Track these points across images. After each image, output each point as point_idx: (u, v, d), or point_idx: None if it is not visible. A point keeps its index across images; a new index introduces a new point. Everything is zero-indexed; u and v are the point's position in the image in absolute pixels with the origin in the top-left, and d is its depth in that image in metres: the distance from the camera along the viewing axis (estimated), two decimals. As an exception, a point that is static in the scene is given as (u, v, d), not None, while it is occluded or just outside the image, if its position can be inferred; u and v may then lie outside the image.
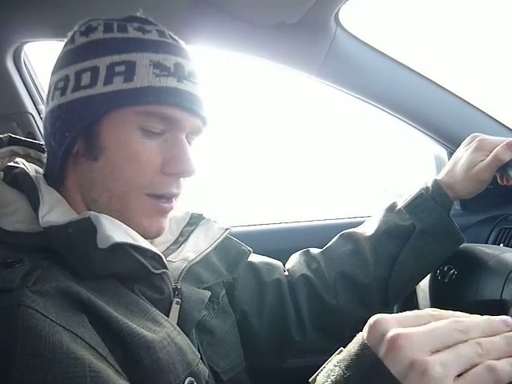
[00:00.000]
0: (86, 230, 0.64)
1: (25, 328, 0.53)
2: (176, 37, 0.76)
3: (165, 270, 0.73)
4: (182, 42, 0.76)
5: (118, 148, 0.70)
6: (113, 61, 0.69)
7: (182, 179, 0.74)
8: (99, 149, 0.70)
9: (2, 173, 0.73)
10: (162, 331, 0.65)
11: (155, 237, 0.75)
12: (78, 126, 0.69)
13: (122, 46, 0.70)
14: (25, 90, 1.38)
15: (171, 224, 0.86)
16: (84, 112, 0.69)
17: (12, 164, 0.74)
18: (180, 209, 0.89)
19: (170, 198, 0.73)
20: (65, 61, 0.73)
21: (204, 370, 0.70)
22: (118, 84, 0.68)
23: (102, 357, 0.57)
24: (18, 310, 0.54)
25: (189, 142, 0.75)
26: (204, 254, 0.81)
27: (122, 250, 0.65)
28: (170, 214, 0.76)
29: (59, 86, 0.71)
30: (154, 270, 0.70)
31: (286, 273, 0.99)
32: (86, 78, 0.69)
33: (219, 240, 0.84)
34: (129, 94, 0.68)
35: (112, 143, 0.70)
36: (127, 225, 0.69)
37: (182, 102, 0.70)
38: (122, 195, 0.70)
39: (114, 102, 0.68)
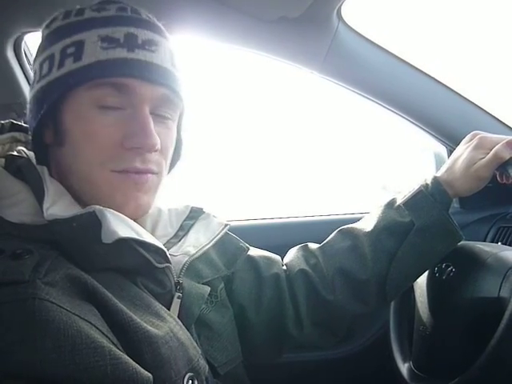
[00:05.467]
0: (91, 224, 0.64)
1: (43, 321, 0.53)
2: (141, 11, 0.73)
3: (168, 264, 0.73)
4: (144, 15, 0.73)
5: (78, 128, 0.69)
6: (65, 44, 0.69)
7: (149, 154, 0.70)
8: (63, 133, 0.70)
9: (2, 160, 0.73)
10: (165, 326, 0.65)
11: (138, 215, 0.72)
12: (40, 114, 0.70)
13: (74, 28, 0.70)
14: (25, 79, 1.37)
15: (171, 217, 0.85)
16: (43, 100, 0.70)
17: (15, 153, 0.74)
18: (179, 202, 0.89)
19: (137, 173, 0.70)
20: (35, 55, 0.75)
21: (204, 365, 0.70)
22: (69, 65, 0.68)
23: (114, 344, 0.58)
24: (33, 304, 0.54)
25: (162, 116, 0.73)
26: (204, 249, 0.80)
27: (126, 244, 0.65)
28: (150, 189, 0.73)
29: (33, 80, 0.74)
30: (157, 264, 0.69)
31: (285, 267, 0.99)
32: (45, 67, 0.71)
33: (219, 236, 0.84)
34: (78, 72, 0.67)
35: (72, 125, 0.69)
36: (103, 206, 0.66)
37: (131, 71, 0.67)
38: (87, 176, 0.69)
39: (66, 84, 0.68)
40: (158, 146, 0.70)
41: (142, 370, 0.57)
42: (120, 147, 0.68)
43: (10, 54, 1.31)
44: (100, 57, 0.67)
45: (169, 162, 0.77)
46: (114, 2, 0.73)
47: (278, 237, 1.47)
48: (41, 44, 0.74)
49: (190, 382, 0.65)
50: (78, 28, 0.70)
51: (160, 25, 0.75)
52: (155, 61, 0.70)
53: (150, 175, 0.71)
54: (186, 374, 0.65)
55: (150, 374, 0.58)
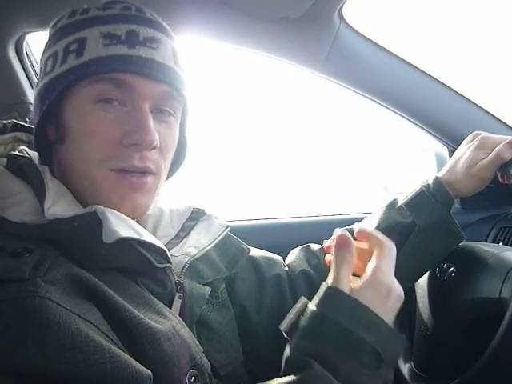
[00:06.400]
0: (92, 224, 0.64)
1: (43, 319, 0.53)
2: (146, 10, 0.74)
3: (168, 265, 0.73)
4: (148, 14, 0.73)
5: (78, 125, 0.69)
6: (68, 41, 0.70)
7: (148, 152, 0.70)
8: (64, 130, 0.70)
9: (4, 159, 0.73)
10: (167, 323, 0.65)
11: (135, 215, 0.72)
12: (42, 110, 0.71)
13: (78, 26, 0.70)
14: (26, 79, 1.37)
15: (173, 218, 0.85)
16: (45, 96, 0.70)
17: (17, 153, 0.74)
18: (181, 202, 0.89)
19: (135, 171, 0.70)
20: (42, 53, 0.76)
21: (207, 363, 0.70)
22: (71, 62, 0.68)
23: (114, 343, 0.58)
24: (33, 302, 0.54)
25: (163, 114, 0.72)
26: (205, 250, 0.80)
27: (126, 244, 0.65)
28: (149, 190, 0.72)
29: (38, 78, 0.75)
30: (157, 264, 0.70)
31: (286, 268, 0.99)
32: (49, 65, 0.71)
33: (220, 237, 0.84)
34: (79, 68, 0.67)
35: (73, 122, 0.70)
36: (100, 204, 0.67)
37: (131, 67, 0.67)
38: (86, 173, 0.69)
39: (67, 80, 0.68)
40: (157, 143, 0.69)
41: (142, 367, 0.58)
42: (119, 145, 0.68)
43: (12, 54, 1.31)
44: (101, 53, 0.67)
45: (169, 162, 0.77)
46: (120, 1, 0.73)
47: (280, 237, 1.47)
48: (47, 42, 0.75)
49: (193, 378, 0.65)
50: (81, 26, 0.70)
51: (164, 24, 0.75)
52: (156, 58, 0.70)
53: (148, 178, 0.71)
54: (189, 371, 0.65)
55: (149, 372, 0.58)
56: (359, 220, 1.04)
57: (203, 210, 0.88)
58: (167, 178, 0.82)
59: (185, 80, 0.75)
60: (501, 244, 1.29)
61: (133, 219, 0.71)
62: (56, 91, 0.69)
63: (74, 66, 0.68)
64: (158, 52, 0.70)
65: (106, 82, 0.68)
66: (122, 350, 0.59)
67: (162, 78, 0.70)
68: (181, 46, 0.77)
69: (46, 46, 0.75)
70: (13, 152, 0.74)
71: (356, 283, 0.63)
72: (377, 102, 1.39)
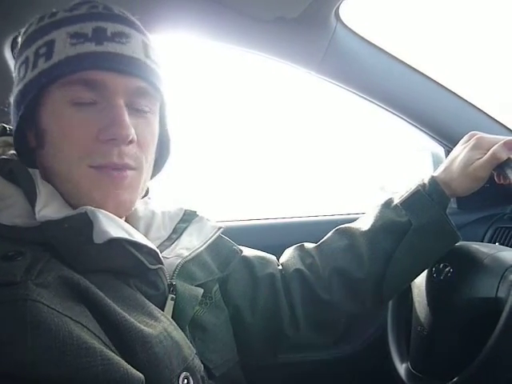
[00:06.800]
0: (83, 225, 0.64)
1: (34, 322, 0.53)
2: (114, 7, 0.73)
3: (161, 266, 0.72)
4: (116, 10, 0.73)
5: (54, 128, 0.69)
6: (37, 46, 0.70)
7: (126, 147, 0.69)
8: (43, 134, 0.70)
9: None
10: (159, 326, 0.65)
11: (120, 213, 0.71)
12: (19, 116, 0.71)
13: (46, 30, 0.70)
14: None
15: (164, 220, 0.85)
16: (21, 102, 0.71)
17: (7, 157, 0.74)
18: (173, 204, 0.89)
19: (115, 168, 0.69)
20: (15, 61, 0.76)
21: (199, 365, 0.70)
22: (42, 65, 0.68)
23: (106, 345, 0.58)
24: (24, 305, 0.54)
25: (139, 109, 0.72)
26: (197, 251, 0.80)
27: (118, 245, 0.65)
28: (130, 185, 0.71)
29: (14, 86, 0.74)
30: (149, 266, 0.69)
31: (280, 267, 0.99)
32: (22, 71, 0.72)
33: (212, 239, 0.84)
34: (49, 71, 0.68)
35: (50, 124, 0.70)
36: (83, 204, 0.66)
37: (100, 63, 0.67)
38: (67, 175, 0.69)
39: (40, 84, 0.68)
40: (133, 137, 0.69)
41: (134, 370, 0.58)
42: (96, 141, 0.68)
43: (8, 55, 1.30)
44: (69, 53, 0.67)
45: (151, 158, 0.76)
46: (88, 2, 0.73)
47: (276, 237, 1.47)
48: (18, 50, 0.75)
49: (185, 381, 0.65)
50: (49, 28, 0.70)
51: (133, 18, 0.75)
52: (126, 52, 0.69)
53: (128, 172, 0.71)
54: (181, 373, 0.65)
55: (141, 375, 0.58)
56: (354, 220, 1.04)
57: (195, 212, 0.88)
58: (154, 175, 0.82)
59: (160, 74, 0.75)
60: (497, 244, 1.29)
61: (120, 217, 0.70)
62: (30, 96, 0.69)
63: (45, 68, 0.68)
64: (127, 46, 0.70)
65: (78, 83, 0.67)
66: (114, 352, 0.59)
67: (134, 71, 0.70)
68: (154, 41, 0.76)
69: (17, 53, 0.74)
70: (3, 156, 0.74)
71: None
72: (373, 102, 1.39)
